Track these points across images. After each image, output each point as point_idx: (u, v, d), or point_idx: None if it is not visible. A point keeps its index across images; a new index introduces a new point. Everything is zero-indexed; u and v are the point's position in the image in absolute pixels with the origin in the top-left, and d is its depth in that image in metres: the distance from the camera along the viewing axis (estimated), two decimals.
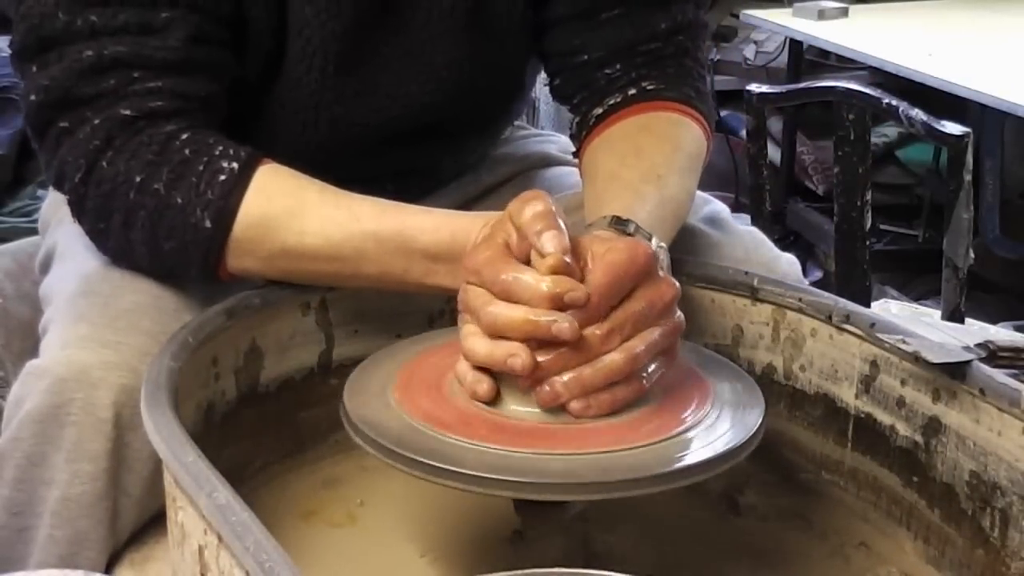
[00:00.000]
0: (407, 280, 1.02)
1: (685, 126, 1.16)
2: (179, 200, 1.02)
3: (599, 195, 1.06)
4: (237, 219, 1.02)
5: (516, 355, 0.86)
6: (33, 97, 1.05)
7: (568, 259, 0.88)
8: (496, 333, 0.88)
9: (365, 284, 1.05)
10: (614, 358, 0.87)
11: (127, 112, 1.03)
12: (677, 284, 0.92)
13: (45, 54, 1.05)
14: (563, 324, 0.86)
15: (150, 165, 1.03)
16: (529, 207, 0.90)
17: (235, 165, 1.03)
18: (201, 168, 1.02)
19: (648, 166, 1.09)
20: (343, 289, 1.08)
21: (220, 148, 1.04)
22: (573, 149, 1.23)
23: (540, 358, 0.87)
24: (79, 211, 1.07)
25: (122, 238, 1.05)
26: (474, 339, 0.89)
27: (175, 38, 1.04)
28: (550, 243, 0.88)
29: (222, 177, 1.02)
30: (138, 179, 1.03)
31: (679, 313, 0.92)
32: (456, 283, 0.94)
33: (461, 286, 0.91)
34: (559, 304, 0.86)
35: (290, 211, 1.03)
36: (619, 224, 1.00)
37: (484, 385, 0.89)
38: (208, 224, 1.02)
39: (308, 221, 1.02)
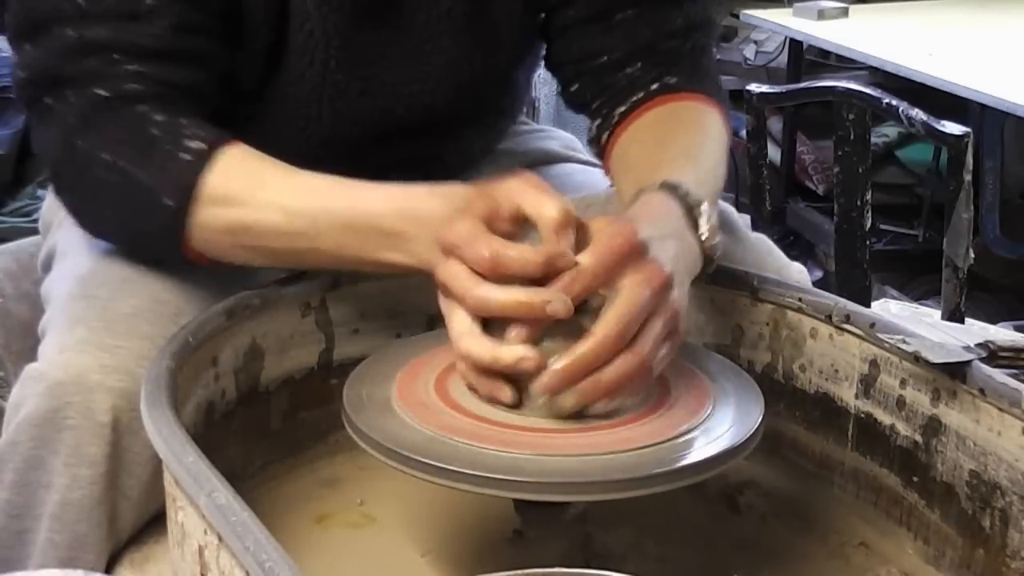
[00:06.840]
0: (363, 257, 0.99)
1: (710, 115, 1.16)
2: (144, 177, 1.03)
3: (638, 180, 1.04)
4: (199, 196, 1.01)
5: (524, 358, 0.86)
6: (21, 73, 1.08)
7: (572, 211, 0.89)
8: (487, 316, 0.87)
9: (326, 263, 1.03)
10: (627, 360, 0.87)
11: (104, 92, 1.04)
12: (667, 268, 0.90)
13: (35, 33, 1.07)
14: (557, 304, 0.86)
15: (120, 144, 1.04)
16: (524, 181, 0.91)
17: (202, 146, 1.02)
18: (168, 148, 1.03)
19: (682, 149, 1.09)
20: (343, 288, 1.08)
21: (190, 130, 1.04)
22: (575, 146, 1.23)
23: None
24: (59, 187, 1.10)
25: (96, 215, 1.08)
26: (470, 339, 0.88)
27: (159, 26, 1.05)
28: (551, 204, 0.89)
29: (187, 157, 1.02)
30: (107, 157, 1.04)
31: (674, 294, 0.91)
32: (410, 260, 0.94)
33: (438, 263, 0.90)
34: (553, 272, 0.87)
35: (248, 187, 1.02)
36: (669, 187, 0.99)
37: (507, 391, 0.89)
38: (169, 202, 1.02)
39: (265, 195, 1.02)
